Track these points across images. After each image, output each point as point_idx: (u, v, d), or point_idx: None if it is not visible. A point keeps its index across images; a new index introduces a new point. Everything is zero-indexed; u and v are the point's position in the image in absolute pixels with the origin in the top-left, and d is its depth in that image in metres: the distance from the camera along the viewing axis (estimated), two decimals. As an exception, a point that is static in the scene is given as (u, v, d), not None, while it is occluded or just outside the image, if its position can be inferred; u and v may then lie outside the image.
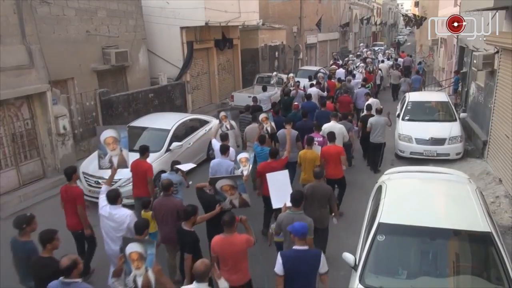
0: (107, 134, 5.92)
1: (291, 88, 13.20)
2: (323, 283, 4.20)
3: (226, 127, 8.72)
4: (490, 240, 4.40)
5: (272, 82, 14.94)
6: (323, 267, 4.11)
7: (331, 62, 24.97)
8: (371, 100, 11.48)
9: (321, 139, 7.81)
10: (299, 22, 26.58)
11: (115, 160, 5.93)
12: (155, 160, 8.50)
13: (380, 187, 5.80)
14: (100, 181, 8.23)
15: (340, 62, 23.78)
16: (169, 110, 13.70)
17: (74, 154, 10.23)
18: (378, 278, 4.38)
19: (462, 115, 12.26)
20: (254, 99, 11.55)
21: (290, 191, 5.45)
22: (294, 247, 4.13)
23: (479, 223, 4.61)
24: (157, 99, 13.57)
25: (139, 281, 3.75)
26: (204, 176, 6.92)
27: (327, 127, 8.44)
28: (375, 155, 9.85)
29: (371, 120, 9.59)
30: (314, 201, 5.82)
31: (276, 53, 23.69)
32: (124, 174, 8.17)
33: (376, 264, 4.51)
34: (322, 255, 4.18)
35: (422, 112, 11.70)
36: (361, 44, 41.08)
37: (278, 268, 4.05)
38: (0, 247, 6.06)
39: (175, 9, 14.28)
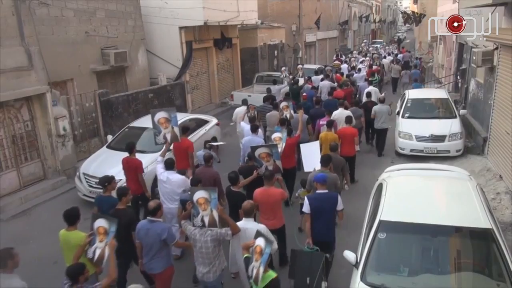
0: (160, 115, 7.06)
1: (300, 78, 14.92)
2: (340, 218, 5.50)
3: (251, 114, 9.75)
4: (491, 236, 4.41)
5: (281, 76, 16.02)
6: (340, 205, 5.36)
7: (334, 57, 26.54)
8: (370, 88, 12.81)
9: (325, 122, 8.77)
10: (298, 20, 26.56)
11: (168, 136, 7.13)
12: (155, 160, 8.50)
13: (380, 185, 5.80)
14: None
15: (343, 58, 25.12)
16: (169, 110, 13.69)
17: (75, 155, 10.24)
18: (380, 275, 4.38)
19: (462, 111, 12.25)
20: (268, 90, 12.88)
21: (319, 157, 6.76)
22: (317, 191, 5.38)
23: (480, 220, 4.61)
24: (157, 99, 13.56)
25: (206, 220, 4.63)
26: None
27: (336, 113, 9.52)
28: (379, 140, 11.04)
29: (375, 108, 10.68)
30: None
31: (275, 52, 23.68)
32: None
33: (377, 262, 4.51)
34: (339, 196, 5.43)
35: (422, 109, 11.69)
36: (365, 41, 42.84)
37: (306, 207, 5.29)
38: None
39: (173, 9, 14.27)
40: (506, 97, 8.81)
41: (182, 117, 10.33)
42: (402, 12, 41.41)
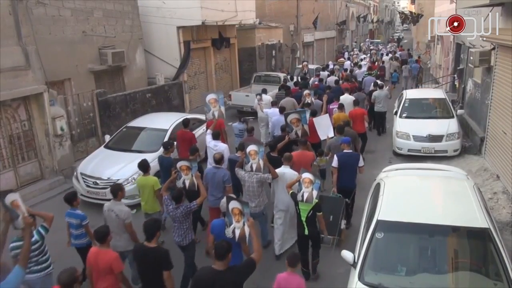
0: (211, 96, 8.93)
1: (305, 72, 18.18)
2: (360, 172, 7.05)
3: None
4: (488, 236, 4.42)
5: (304, 71, 18.70)
6: (361, 162, 6.95)
7: (338, 55, 29.62)
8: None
9: (336, 105, 10.38)
10: (296, 20, 26.56)
11: (216, 114, 8.82)
12: (153, 159, 8.49)
13: (378, 185, 5.81)
14: (98, 181, 8.24)
15: (346, 55, 27.92)
16: (167, 110, 13.68)
17: (72, 155, 10.21)
18: (377, 275, 4.39)
19: (460, 111, 12.28)
20: (285, 80, 15.33)
21: (331, 127, 8.75)
22: (344, 151, 6.98)
23: (477, 219, 4.62)
24: (155, 99, 13.55)
25: (254, 167, 6.26)
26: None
27: (342, 98, 11.31)
28: (379, 121, 12.73)
29: (375, 93, 12.41)
30: None
31: (273, 52, 23.67)
32: (123, 175, 8.20)
33: (375, 262, 4.52)
34: (360, 155, 7.18)
35: (419, 109, 11.72)
36: (366, 39, 46.02)
37: (335, 163, 6.90)
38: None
39: (171, 9, 14.24)
40: (503, 97, 8.84)
41: (180, 117, 10.35)
42: (399, 12, 41.64)
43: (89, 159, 9.02)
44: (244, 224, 4.59)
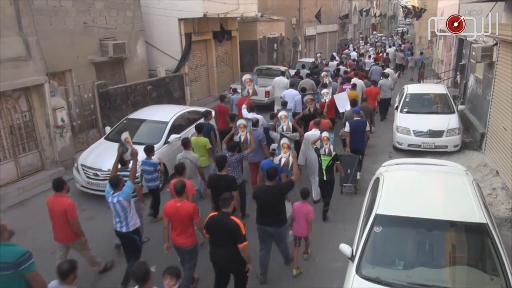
0: (246, 76, 10.42)
1: (318, 63, 19.53)
2: (368, 136, 9.15)
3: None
4: (486, 231, 4.44)
5: (317, 62, 19.85)
6: (368, 127, 8.83)
7: (342, 48, 31.61)
8: (388, 70, 16.51)
9: (349, 86, 12.24)
10: (298, 14, 26.43)
11: (251, 91, 10.25)
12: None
13: (377, 179, 5.82)
14: (98, 173, 8.26)
15: (351, 47, 29.84)
16: (168, 103, 13.68)
17: (73, 146, 10.24)
18: (375, 268, 4.42)
19: (460, 107, 12.27)
20: (297, 72, 16.02)
21: (348, 102, 10.25)
22: (354, 119, 8.75)
23: (475, 215, 4.64)
24: (156, 91, 13.54)
25: (285, 128, 8.07)
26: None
27: (353, 80, 12.98)
28: (383, 106, 13.94)
29: (380, 81, 13.91)
30: None
31: (275, 45, 23.59)
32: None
33: (373, 255, 4.55)
34: (367, 122, 9.01)
35: (420, 104, 11.70)
36: (374, 32, 48.75)
37: (347, 128, 8.72)
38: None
39: (173, 1, 14.18)
40: (504, 93, 8.82)
41: (180, 110, 10.36)
42: (402, 7, 41.42)
43: (89, 151, 9.04)
44: (289, 155, 6.51)
